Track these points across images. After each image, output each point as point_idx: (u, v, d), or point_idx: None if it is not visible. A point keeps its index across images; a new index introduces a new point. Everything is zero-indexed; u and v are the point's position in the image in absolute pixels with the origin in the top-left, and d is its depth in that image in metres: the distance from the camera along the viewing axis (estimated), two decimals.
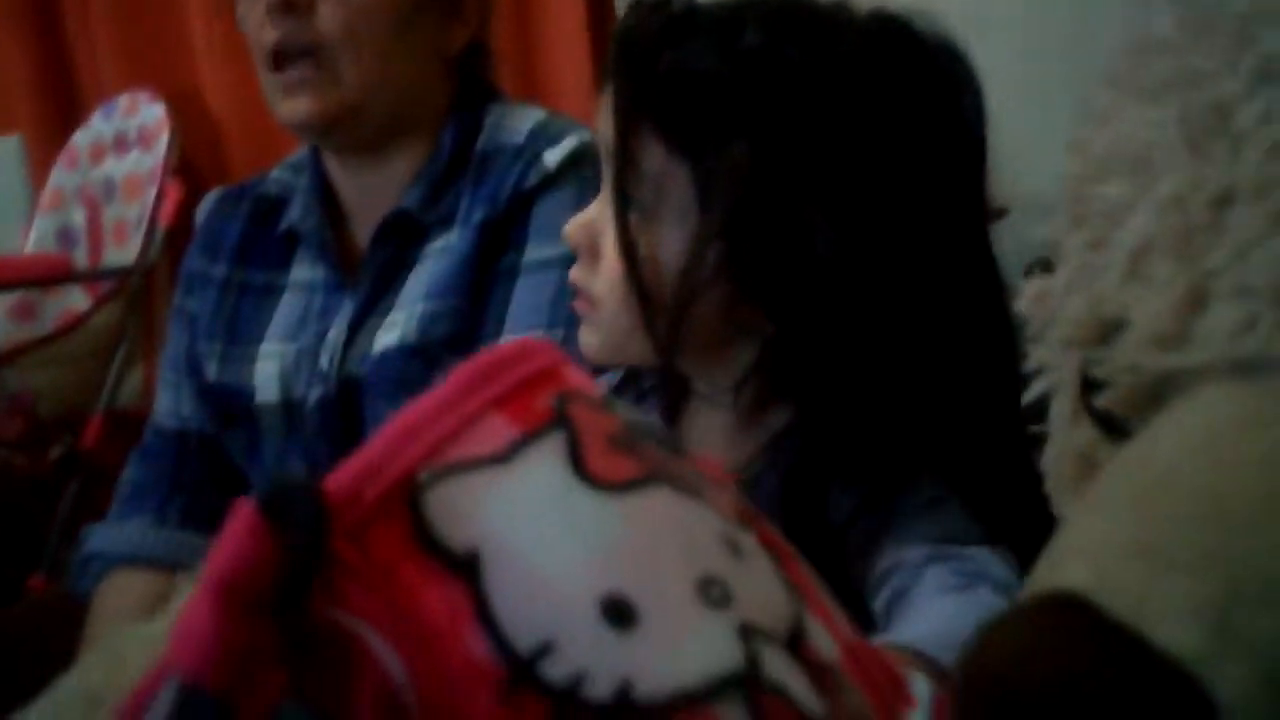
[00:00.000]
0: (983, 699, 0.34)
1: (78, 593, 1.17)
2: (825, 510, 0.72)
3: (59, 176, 2.35)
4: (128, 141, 2.27)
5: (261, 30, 1.07)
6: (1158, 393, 0.47)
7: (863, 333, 0.70)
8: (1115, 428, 0.50)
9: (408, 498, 0.31)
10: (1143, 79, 0.53)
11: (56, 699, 0.68)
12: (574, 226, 0.78)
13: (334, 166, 1.16)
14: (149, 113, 2.24)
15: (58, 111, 2.46)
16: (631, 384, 0.85)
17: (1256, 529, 0.37)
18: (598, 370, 0.86)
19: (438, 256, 1.10)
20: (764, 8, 0.72)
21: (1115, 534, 0.40)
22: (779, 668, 0.30)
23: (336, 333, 1.11)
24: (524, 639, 0.29)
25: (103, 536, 1.18)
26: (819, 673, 0.31)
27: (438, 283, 1.08)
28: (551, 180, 1.08)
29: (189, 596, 0.29)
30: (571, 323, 1.02)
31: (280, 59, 1.07)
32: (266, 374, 1.14)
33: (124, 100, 2.28)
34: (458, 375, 0.33)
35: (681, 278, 0.71)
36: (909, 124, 0.71)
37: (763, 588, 0.32)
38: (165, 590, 1.13)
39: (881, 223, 0.70)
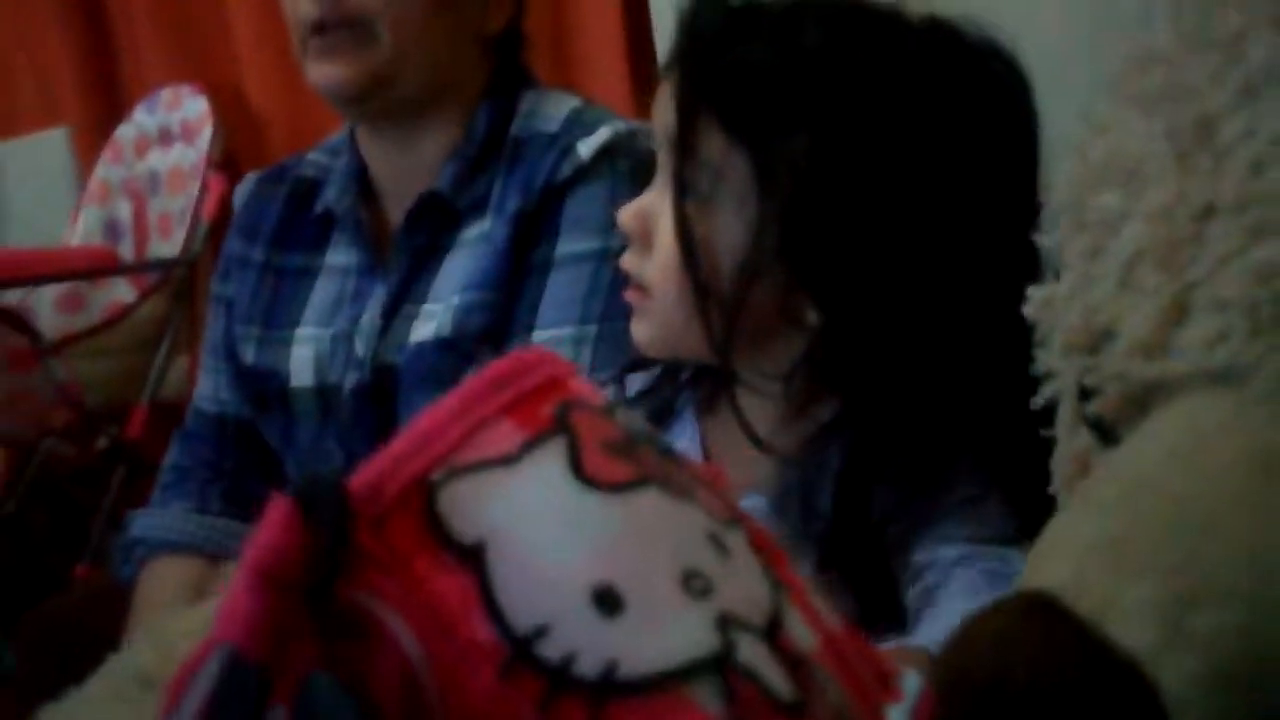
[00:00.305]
0: (957, 694, 0.37)
1: (121, 579, 1.20)
2: (868, 505, 0.73)
3: (104, 170, 2.37)
4: (171, 135, 2.29)
5: (298, 5, 1.07)
6: (1145, 401, 0.49)
7: (912, 324, 0.72)
8: (1106, 434, 0.52)
9: (424, 494, 0.34)
10: (1139, 89, 0.55)
11: (111, 678, 0.72)
12: (628, 214, 0.79)
13: (369, 147, 1.16)
14: (191, 106, 2.25)
15: (103, 105, 2.49)
16: (670, 379, 0.86)
17: (1222, 531, 0.40)
18: (638, 365, 0.87)
19: (472, 246, 1.10)
20: (824, 7, 0.75)
21: (1094, 535, 0.42)
22: (753, 654, 0.34)
23: (370, 318, 1.12)
24: (522, 622, 0.32)
25: (145, 523, 1.21)
26: (794, 662, 0.34)
27: (474, 275, 1.08)
28: (584, 172, 1.08)
29: (232, 580, 0.33)
30: (604, 318, 1.03)
31: (318, 30, 1.07)
32: (302, 358, 1.15)
33: (166, 94, 2.30)
34: (472, 383, 0.36)
35: (741, 263, 0.73)
36: (964, 121, 0.73)
37: (744, 582, 0.35)
38: (204, 576, 1.15)
39: (936, 215, 0.72)
